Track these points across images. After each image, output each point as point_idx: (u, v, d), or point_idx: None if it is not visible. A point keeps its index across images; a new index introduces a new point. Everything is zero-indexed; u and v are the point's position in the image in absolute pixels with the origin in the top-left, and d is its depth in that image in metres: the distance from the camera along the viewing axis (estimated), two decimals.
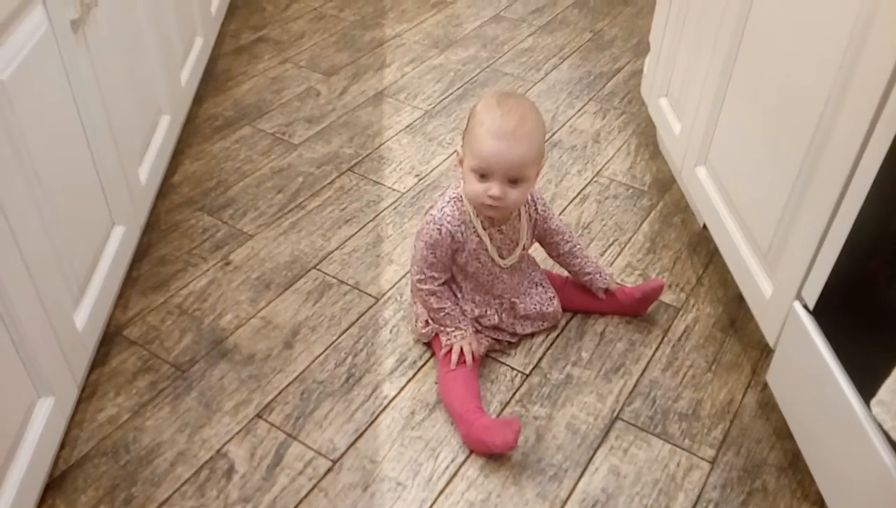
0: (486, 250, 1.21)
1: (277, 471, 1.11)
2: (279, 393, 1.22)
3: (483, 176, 1.12)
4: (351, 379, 1.25)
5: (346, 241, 1.54)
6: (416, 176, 1.74)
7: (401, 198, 1.66)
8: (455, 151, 1.19)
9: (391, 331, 1.34)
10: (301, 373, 1.26)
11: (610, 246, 1.55)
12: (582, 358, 1.31)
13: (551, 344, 1.33)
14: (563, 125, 1.92)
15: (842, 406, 0.95)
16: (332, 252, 1.51)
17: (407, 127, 1.91)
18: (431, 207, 1.23)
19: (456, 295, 1.26)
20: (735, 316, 1.39)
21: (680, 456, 1.15)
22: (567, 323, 1.37)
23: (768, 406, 1.22)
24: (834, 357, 0.99)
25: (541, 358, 1.30)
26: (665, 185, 1.72)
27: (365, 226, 1.58)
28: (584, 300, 1.37)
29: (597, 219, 1.62)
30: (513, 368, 1.28)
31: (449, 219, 1.18)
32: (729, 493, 1.10)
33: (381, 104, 2.00)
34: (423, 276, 1.22)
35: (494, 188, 1.11)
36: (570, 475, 1.12)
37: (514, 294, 1.28)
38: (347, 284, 1.43)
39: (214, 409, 1.20)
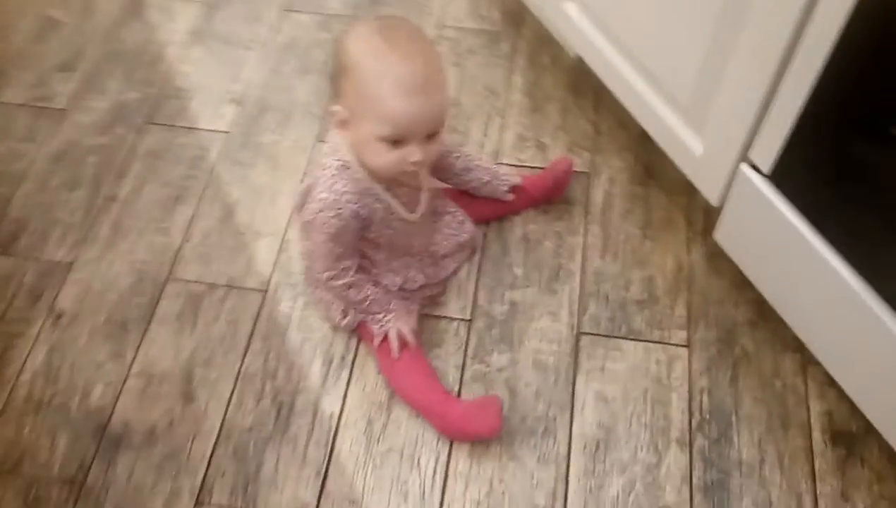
0: (395, 213, 1.00)
1: None
2: (209, 466, 1.03)
3: (397, 142, 0.89)
4: (282, 410, 1.07)
5: (189, 226, 1.26)
6: (234, 101, 1.42)
7: (228, 140, 1.37)
8: (334, 112, 0.93)
9: (299, 329, 1.15)
10: (222, 428, 1.06)
11: (490, 120, 1.37)
12: (517, 275, 1.18)
13: (480, 273, 1.19)
14: None
15: (807, 252, 0.92)
16: (179, 248, 1.24)
17: (191, 34, 1.53)
18: (312, 187, 0.99)
19: (371, 271, 1.07)
20: (647, 161, 1.30)
21: (656, 353, 1.10)
22: (486, 241, 1.22)
23: (716, 257, 1.17)
24: (797, 213, 0.93)
25: (476, 295, 1.17)
26: (517, 17, 1.51)
27: (202, 195, 1.30)
28: (495, 207, 1.22)
29: (463, 91, 1.41)
30: (451, 319, 1.15)
31: (347, 197, 0.95)
32: (716, 374, 1.07)
33: (144, 10, 1.58)
34: (333, 273, 1.01)
35: (416, 153, 0.89)
36: (560, 422, 1.04)
37: (431, 240, 1.11)
38: (219, 285, 1.19)
39: None
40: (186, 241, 1.24)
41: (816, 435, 1.02)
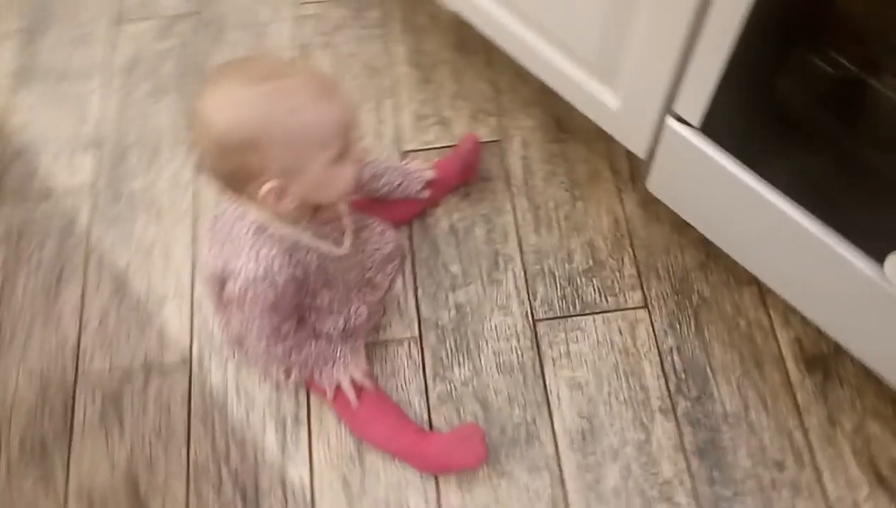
0: (327, 255, 0.91)
1: None
2: None
3: (342, 155, 0.78)
4: (247, 493, 0.99)
5: (81, 311, 1.12)
6: (88, 146, 1.25)
7: (95, 196, 1.21)
8: (268, 191, 0.79)
9: (239, 397, 1.05)
10: None
11: (380, 103, 1.26)
12: (455, 274, 1.11)
13: (416, 282, 1.11)
14: None
15: (746, 193, 0.89)
16: (78, 340, 1.10)
17: (14, 75, 1.33)
18: (225, 263, 0.87)
19: (308, 319, 0.97)
20: (556, 113, 1.23)
21: (616, 322, 1.06)
22: (413, 244, 1.14)
23: (651, 204, 1.13)
24: (732, 158, 0.90)
25: (418, 307, 1.09)
26: None
27: (86, 270, 1.15)
28: (412, 206, 1.13)
29: (342, 75, 1.28)
30: (400, 341, 1.08)
31: (277, 263, 0.84)
32: (680, 329, 1.05)
33: None
34: (271, 342, 0.91)
35: (357, 152, 0.81)
36: (540, 423, 1.01)
37: (364, 265, 1.02)
38: (136, 370, 1.07)
39: None
40: (83, 330, 1.11)
41: (791, 366, 1.02)
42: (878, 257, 0.80)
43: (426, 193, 1.11)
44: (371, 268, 1.04)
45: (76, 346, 1.09)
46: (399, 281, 1.11)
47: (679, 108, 0.90)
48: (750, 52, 0.77)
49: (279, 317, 0.89)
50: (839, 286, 0.87)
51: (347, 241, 0.93)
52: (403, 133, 1.23)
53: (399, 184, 1.08)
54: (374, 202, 1.10)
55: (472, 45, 1.29)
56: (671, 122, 0.93)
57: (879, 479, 0.95)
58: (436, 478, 0.98)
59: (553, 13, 0.98)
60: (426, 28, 1.32)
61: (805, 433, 0.98)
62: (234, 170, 0.77)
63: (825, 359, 1.02)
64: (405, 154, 1.20)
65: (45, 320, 1.11)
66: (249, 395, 1.05)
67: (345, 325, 1.00)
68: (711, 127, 0.89)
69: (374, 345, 1.06)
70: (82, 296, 1.13)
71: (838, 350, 1.01)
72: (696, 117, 0.89)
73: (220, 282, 0.93)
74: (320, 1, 1.36)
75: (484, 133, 1.21)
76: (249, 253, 0.84)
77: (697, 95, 0.86)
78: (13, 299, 1.13)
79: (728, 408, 1.00)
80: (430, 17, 1.33)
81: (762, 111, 0.84)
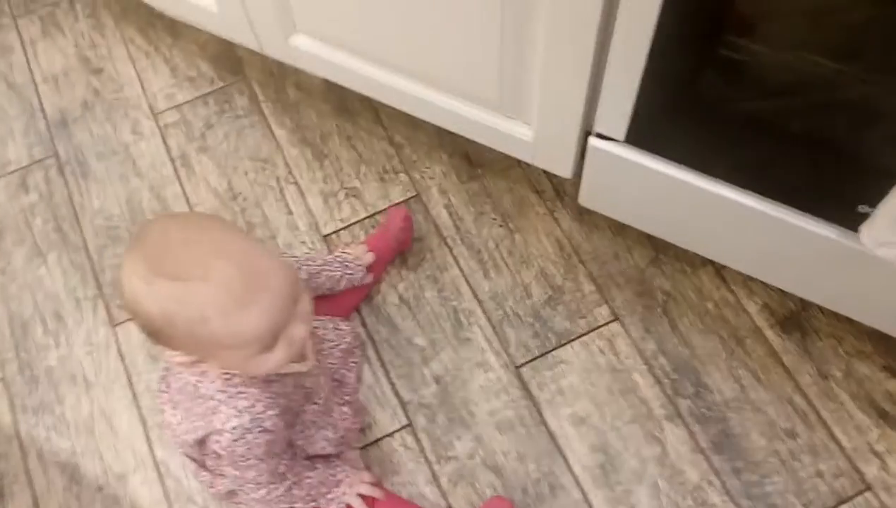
0: (300, 377, 0.86)
1: None
2: None
3: (265, 349, 0.73)
4: None
5: None
6: None
7: (7, 386, 1.10)
8: (176, 360, 0.75)
9: None
10: None
11: (283, 194, 1.20)
12: (422, 346, 1.08)
13: (386, 367, 1.07)
14: None
15: (681, 188, 0.91)
16: None
17: None
18: (205, 431, 0.81)
19: (296, 444, 0.92)
20: (462, 151, 1.21)
21: (594, 343, 1.07)
22: (369, 330, 1.09)
23: (585, 215, 1.14)
24: (662, 160, 0.91)
25: (396, 392, 1.05)
26: (231, 61, 1.31)
27: (27, 470, 1.05)
28: (356, 292, 1.09)
29: (232, 178, 1.22)
30: (390, 434, 1.04)
31: (261, 406, 0.79)
32: (656, 330, 1.07)
33: None
34: (271, 488, 0.86)
35: (300, 329, 0.75)
36: (558, 471, 1.00)
37: (330, 368, 0.98)
38: None
39: None
40: None
41: (769, 334, 1.05)
42: (831, 218, 0.83)
43: (369, 277, 1.07)
44: (335, 367, 1.00)
45: None
46: (368, 373, 1.06)
47: (600, 127, 0.90)
48: (664, 59, 0.78)
49: (276, 459, 0.84)
50: (795, 252, 0.90)
51: (312, 357, 0.88)
52: (317, 217, 1.18)
53: (341, 277, 1.04)
54: (317, 299, 1.05)
55: (353, 107, 1.26)
56: (594, 141, 0.93)
57: (883, 416, 0.99)
58: None
59: (437, 61, 0.96)
60: (300, 101, 1.27)
61: (803, 395, 1.01)
62: (149, 337, 0.73)
63: (797, 317, 1.05)
64: (327, 238, 1.16)
65: None
66: None
67: (335, 435, 0.95)
68: (637, 136, 0.89)
69: (367, 449, 1.02)
70: (35, 502, 1.02)
71: (806, 304, 1.05)
72: (619, 132, 0.89)
73: (198, 445, 0.86)
74: (177, 105, 1.28)
75: (397, 192, 1.18)
76: (227, 409, 0.79)
77: (617, 111, 0.86)
78: None
79: (727, 395, 1.02)
80: (299, 89, 1.28)
81: (685, 110, 0.85)
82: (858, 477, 0.97)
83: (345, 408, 0.98)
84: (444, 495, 0.99)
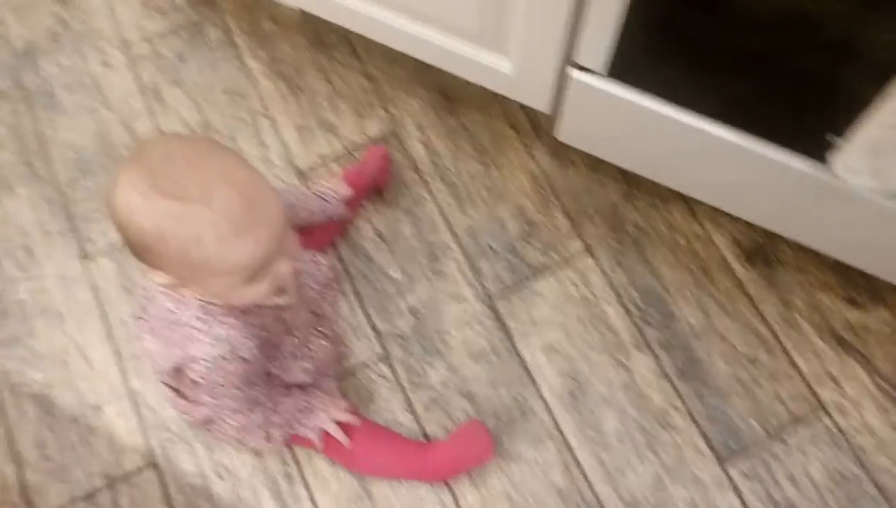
0: (278, 313, 0.87)
1: None
2: None
3: (251, 279, 0.74)
4: None
5: (12, 447, 1.03)
6: None
7: None
8: (160, 282, 0.76)
9: (221, 477, 1.01)
10: None
11: (257, 127, 1.20)
12: (397, 280, 1.10)
13: (361, 300, 1.09)
14: None
15: (659, 120, 0.93)
16: (21, 478, 1.01)
17: None
18: (180, 359, 0.82)
19: (274, 374, 0.94)
20: (440, 86, 1.22)
21: (566, 276, 1.10)
22: (346, 263, 1.11)
23: (561, 151, 1.16)
24: (642, 93, 0.93)
25: (372, 324, 1.08)
26: None
27: (1, 402, 1.05)
28: (333, 226, 1.10)
29: (206, 110, 1.22)
30: (366, 364, 1.06)
31: (240, 337, 0.81)
32: (626, 263, 1.10)
33: None
34: (248, 413, 0.88)
35: (285, 265, 0.76)
36: (529, 397, 1.03)
37: (309, 301, 0.99)
38: (99, 489, 1.01)
39: None
40: (21, 466, 1.02)
41: (736, 266, 1.09)
42: (804, 150, 0.86)
43: (347, 212, 1.08)
44: (314, 300, 1.01)
45: (21, 486, 1.00)
46: (345, 305, 1.08)
47: (581, 59, 0.92)
48: None
49: (253, 388, 0.86)
50: (765, 184, 0.94)
51: (293, 292, 0.90)
52: (293, 151, 1.18)
53: (318, 210, 1.05)
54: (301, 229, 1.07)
55: (329, 40, 1.25)
56: (575, 74, 0.94)
57: (841, 343, 1.04)
58: (447, 485, 0.99)
59: None
60: (275, 34, 1.27)
61: (766, 323, 1.06)
62: (137, 256, 0.73)
63: (763, 250, 1.09)
64: (302, 172, 1.16)
65: None
66: (231, 471, 1.01)
67: (313, 366, 0.97)
68: (618, 69, 0.91)
69: (343, 378, 1.04)
70: (9, 433, 1.03)
71: (772, 237, 1.09)
72: (600, 64, 0.91)
73: (176, 373, 0.88)
74: (148, 37, 1.27)
75: (374, 126, 1.19)
76: (204, 337, 0.80)
77: (598, 43, 0.87)
78: None
79: (693, 324, 1.06)
80: (275, 22, 1.28)
81: (667, 43, 0.86)
82: (816, 401, 1.02)
83: (322, 340, 1.00)
84: (418, 421, 1.02)
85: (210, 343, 0.79)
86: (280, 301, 0.86)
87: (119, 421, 1.04)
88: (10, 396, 1.06)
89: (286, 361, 0.94)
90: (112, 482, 1.00)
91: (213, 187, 0.68)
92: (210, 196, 0.67)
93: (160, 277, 0.74)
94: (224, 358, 0.80)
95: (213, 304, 0.80)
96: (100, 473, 1.01)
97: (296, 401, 0.94)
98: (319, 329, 1.01)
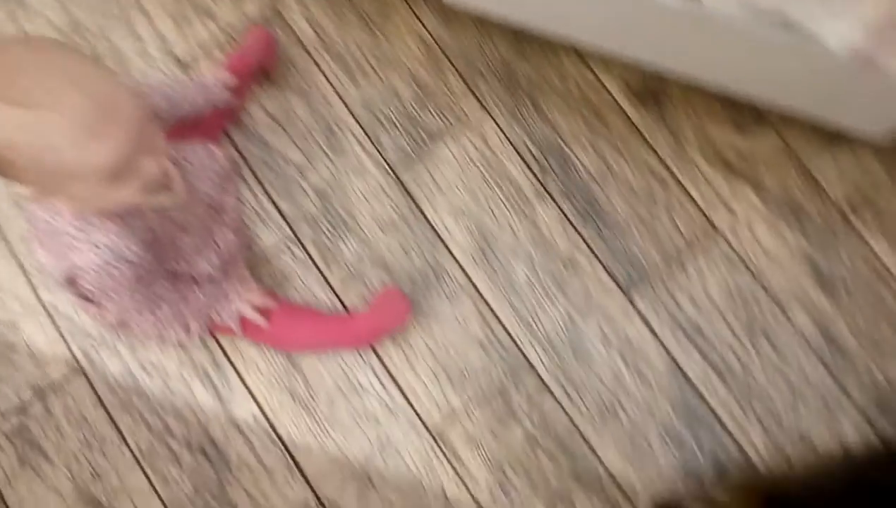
0: (164, 213, 0.87)
1: None
2: None
3: (115, 179, 0.74)
4: (207, 452, 1.01)
5: None
6: None
7: None
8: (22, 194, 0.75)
9: (149, 373, 1.04)
10: None
11: (130, 20, 1.16)
12: (297, 162, 1.11)
13: (264, 184, 1.10)
14: None
15: None
16: None
17: None
18: (68, 268, 0.82)
19: (181, 270, 0.95)
20: None
21: (465, 138, 1.12)
22: (239, 150, 1.11)
23: (448, 13, 1.15)
24: None
25: (278, 208, 1.09)
26: None
27: None
28: (222, 115, 1.08)
29: (73, 8, 1.16)
30: (279, 249, 1.08)
31: (121, 242, 0.81)
32: (523, 118, 1.12)
33: None
34: (154, 309, 0.90)
35: (152, 165, 0.75)
36: (441, 258, 1.07)
37: (207, 194, 0.99)
38: (29, 401, 1.02)
39: None
40: None
41: (628, 108, 1.12)
42: None
43: (233, 99, 1.06)
44: (213, 193, 1.01)
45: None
46: (248, 193, 1.09)
47: None
48: None
49: (149, 285, 0.87)
50: (647, 22, 0.95)
51: (179, 182, 0.89)
52: (171, 42, 1.15)
53: (202, 100, 1.03)
54: (183, 127, 1.05)
55: None
56: None
57: (730, 169, 1.10)
58: (372, 350, 1.04)
59: None
60: None
61: (660, 159, 1.10)
62: None
63: (653, 90, 1.13)
64: (183, 62, 1.13)
65: None
66: (158, 367, 1.03)
67: (219, 258, 0.98)
68: None
69: (256, 265, 1.06)
70: None
71: (661, 78, 1.12)
72: None
73: (70, 281, 0.88)
74: None
75: (253, 8, 1.16)
76: (84, 245, 0.80)
77: None
78: None
79: (591, 168, 1.10)
80: None
81: None
82: (710, 226, 1.09)
83: (227, 232, 1.00)
84: (337, 296, 1.06)
85: (90, 250, 0.79)
86: (166, 200, 0.86)
87: (37, 334, 1.04)
88: None
89: (191, 257, 0.95)
90: (41, 393, 1.02)
91: (62, 91, 0.66)
92: (59, 101, 0.66)
93: (22, 189, 0.73)
94: (108, 263, 0.80)
95: (89, 217, 0.79)
96: (27, 386, 1.02)
97: (206, 291, 0.95)
98: (225, 221, 1.01)
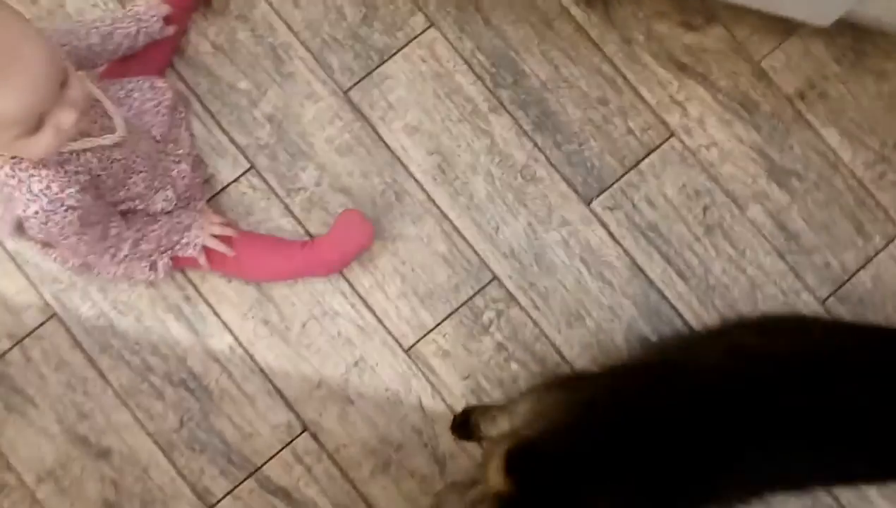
0: (106, 149, 0.87)
1: None
2: (182, 477, 1.03)
3: (30, 129, 0.74)
4: (189, 385, 1.05)
5: None
6: None
7: None
8: None
9: (122, 312, 1.06)
10: (158, 445, 1.04)
11: None
12: (246, 90, 1.11)
13: (215, 116, 1.10)
14: None
15: None
16: None
17: None
18: (14, 212, 0.83)
19: (137, 209, 0.96)
20: None
21: (415, 53, 1.12)
22: (186, 82, 1.10)
23: None
24: None
25: (231, 139, 1.09)
26: None
27: None
28: (162, 47, 1.07)
29: None
30: (236, 180, 1.09)
31: (56, 187, 0.81)
32: (470, 29, 1.12)
33: None
34: (112, 250, 0.92)
35: (66, 115, 0.75)
36: (401, 179, 1.09)
37: (151, 129, 0.99)
38: (8, 348, 1.05)
39: None
40: None
41: (575, 11, 1.12)
42: None
43: (170, 29, 1.04)
44: (162, 126, 1.01)
45: None
46: (199, 126, 1.08)
47: None
48: None
49: (99, 226, 0.88)
50: None
51: (119, 121, 0.89)
52: None
53: (137, 32, 1.01)
54: (124, 62, 1.04)
55: None
56: None
57: (682, 68, 1.11)
58: (341, 275, 1.06)
59: None
60: None
61: (611, 63, 1.11)
62: None
63: None
64: None
65: None
66: (131, 306, 1.06)
67: (176, 194, 0.99)
68: None
69: (215, 199, 1.07)
70: None
71: None
72: None
73: (20, 230, 0.89)
74: None
75: None
76: (21, 195, 0.80)
77: None
78: None
79: (543, 77, 1.10)
80: None
81: None
82: (664, 127, 1.10)
83: (182, 165, 1.01)
84: (300, 223, 1.07)
85: (28, 199, 0.80)
86: (103, 141, 0.86)
87: (7, 283, 1.06)
88: None
89: (145, 194, 0.95)
90: (18, 340, 1.05)
91: None
92: None
93: None
94: (49, 210, 0.81)
95: (24, 160, 0.79)
96: (3, 335, 1.05)
97: (164, 225, 0.97)
98: (178, 155, 1.01)
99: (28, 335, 1.04)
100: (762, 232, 1.10)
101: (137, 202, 0.95)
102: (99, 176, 0.87)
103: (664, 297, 1.09)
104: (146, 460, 1.03)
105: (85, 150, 0.84)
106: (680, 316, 1.09)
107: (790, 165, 1.11)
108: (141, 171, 0.94)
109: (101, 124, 0.88)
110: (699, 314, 1.09)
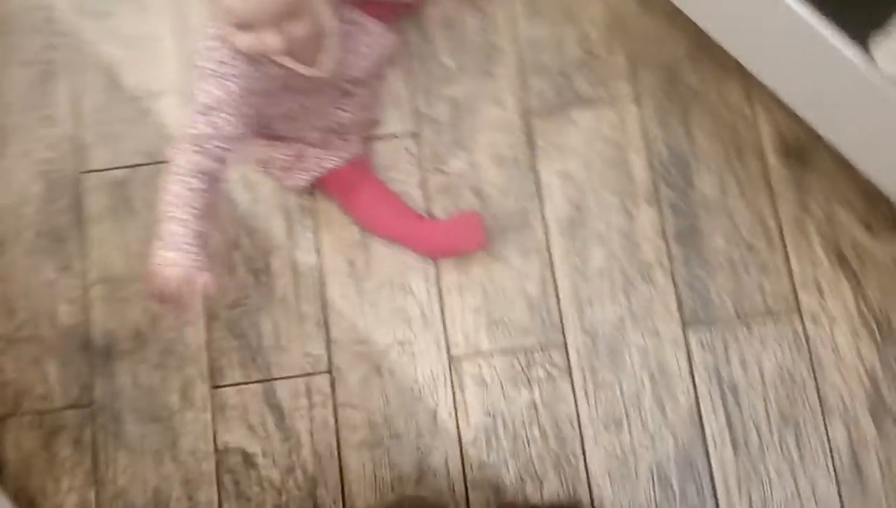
0: (288, 81, 0.94)
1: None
2: (209, 350, 1.09)
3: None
4: (260, 276, 1.12)
5: (75, 106, 1.17)
6: None
7: None
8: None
9: (245, 189, 1.14)
10: (207, 311, 1.10)
11: None
12: (449, 68, 1.17)
13: (409, 76, 1.16)
14: None
15: None
16: (75, 135, 1.16)
17: None
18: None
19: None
20: None
21: (606, 115, 1.14)
22: (404, 35, 1.17)
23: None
24: None
25: (413, 102, 1.16)
26: None
27: (72, 65, 1.18)
28: (404, 4, 1.14)
29: None
30: (396, 136, 1.15)
31: (229, 69, 0.87)
32: (667, 119, 1.14)
33: None
34: (283, 146, 1.03)
35: (270, 38, 0.84)
36: (532, 211, 1.12)
37: (352, 72, 1.05)
38: (138, 165, 1.15)
39: None
40: (80, 124, 1.16)
41: (770, 156, 1.12)
42: (864, 42, 0.87)
43: None
44: (365, 71, 1.06)
45: (75, 142, 1.15)
46: (392, 77, 1.15)
47: None
48: None
49: (252, 120, 0.93)
50: (823, 72, 0.94)
51: (326, 64, 0.95)
52: None
53: None
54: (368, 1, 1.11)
55: None
56: None
57: (841, 259, 1.08)
58: (435, 262, 1.10)
59: None
60: None
61: (777, 218, 1.10)
62: None
63: (803, 150, 1.11)
64: None
65: (40, 116, 1.16)
66: (255, 187, 1.13)
67: (340, 125, 1.06)
68: None
69: (373, 141, 1.13)
70: (74, 93, 1.17)
71: (817, 142, 1.10)
72: None
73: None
74: None
75: None
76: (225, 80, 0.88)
77: None
78: (5, 95, 1.17)
79: (708, 195, 1.11)
80: None
81: None
82: (794, 302, 1.08)
83: (357, 104, 1.07)
84: (427, 199, 1.12)
85: (228, 83, 0.87)
86: (304, 70, 0.92)
87: (170, 114, 1.16)
88: (78, 58, 1.18)
89: (315, 119, 1.03)
90: (151, 162, 1.14)
91: None
92: None
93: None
94: (240, 95, 0.87)
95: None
96: (144, 152, 1.15)
97: (320, 140, 1.04)
98: (356, 95, 1.07)
99: (159, 163, 1.13)
100: (833, 454, 1.05)
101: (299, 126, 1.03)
102: (269, 92, 0.93)
103: (707, 455, 1.06)
104: (191, 317, 1.09)
105: (280, 67, 0.90)
106: (712, 481, 1.05)
107: (895, 409, 1.06)
108: (320, 97, 1.01)
109: (310, 54, 0.94)
110: (730, 491, 1.05)
